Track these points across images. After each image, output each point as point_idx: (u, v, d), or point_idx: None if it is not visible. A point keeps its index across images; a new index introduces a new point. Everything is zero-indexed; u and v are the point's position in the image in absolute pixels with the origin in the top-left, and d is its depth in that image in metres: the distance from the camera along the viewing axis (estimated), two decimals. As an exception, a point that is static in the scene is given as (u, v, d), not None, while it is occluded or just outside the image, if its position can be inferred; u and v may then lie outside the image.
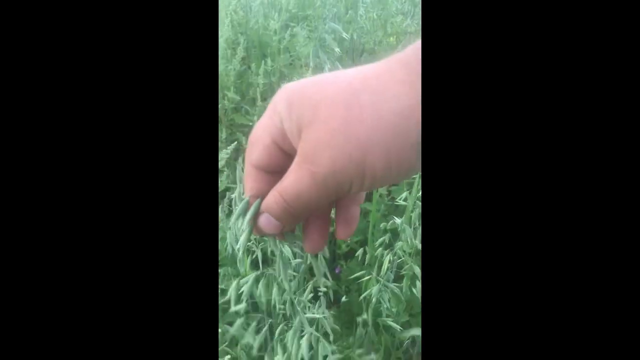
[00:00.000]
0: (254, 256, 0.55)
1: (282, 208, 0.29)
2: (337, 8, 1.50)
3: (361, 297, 0.70)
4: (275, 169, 0.30)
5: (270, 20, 1.29)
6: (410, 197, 0.66)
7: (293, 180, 0.27)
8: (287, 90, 0.28)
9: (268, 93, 1.23)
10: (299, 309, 0.38)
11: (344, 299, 0.83)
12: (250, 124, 1.14)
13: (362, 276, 0.73)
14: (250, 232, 0.31)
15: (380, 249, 0.67)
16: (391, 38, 1.58)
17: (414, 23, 1.58)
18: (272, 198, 0.29)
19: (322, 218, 0.31)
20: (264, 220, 0.30)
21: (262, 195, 0.30)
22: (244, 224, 0.30)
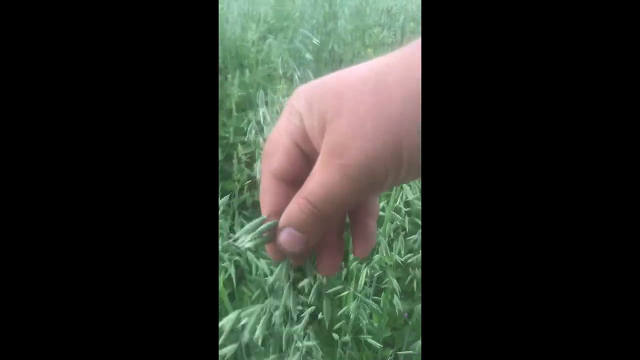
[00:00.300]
0: (226, 274, 0.53)
1: (309, 215, 0.25)
2: (315, 20, 1.50)
3: (340, 313, 0.68)
4: (296, 178, 0.27)
5: (249, 31, 1.28)
6: (388, 207, 0.65)
7: (320, 180, 0.25)
8: (304, 89, 0.27)
9: (246, 104, 1.21)
10: (301, 344, 0.35)
11: (320, 315, 0.81)
12: (227, 135, 1.12)
13: (341, 291, 0.70)
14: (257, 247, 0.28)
15: (355, 262, 0.66)
16: (369, 49, 1.58)
17: (391, 34, 1.59)
18: (296, 206, 0.26)
19: (337, 235, 0.28)
20: (286, 237, 0.26)
21: (280, 212, 0.27)
22: (255, 242, 0.27)
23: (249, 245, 0.27)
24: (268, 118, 0.52)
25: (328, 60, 1.46)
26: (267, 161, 0.28)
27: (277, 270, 0.29)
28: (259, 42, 1.30)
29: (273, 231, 0.27)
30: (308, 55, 0.59)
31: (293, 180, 0.27)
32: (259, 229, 0.27)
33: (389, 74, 0.24)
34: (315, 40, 0.56)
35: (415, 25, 1.60)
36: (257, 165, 0.85)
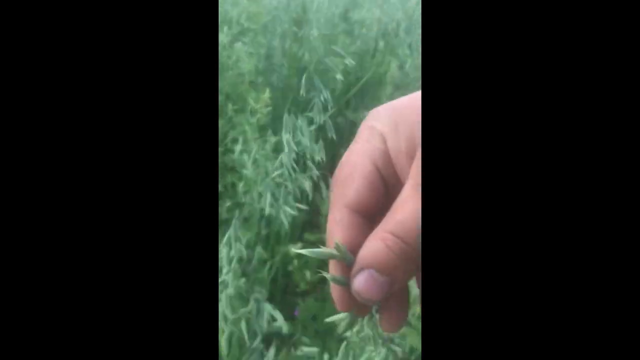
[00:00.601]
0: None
1: (398, 252, 0.21)
2: (288, 24, 1.44)
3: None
4: (374, 209, 0.24)
5: (220, 33, 1.20)
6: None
7: (412, 210, 0.21)
8: (386, 109, 0.25)
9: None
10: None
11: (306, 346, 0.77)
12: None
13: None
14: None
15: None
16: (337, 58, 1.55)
17: (358, 43, 1.57)
18: (380, 243, 0.22)
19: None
20: (366, 280, 0.22)
21: (355, 251, 0.23)
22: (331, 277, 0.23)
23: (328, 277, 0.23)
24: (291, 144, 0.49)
25: (299, 68, 1.41)
26: (341, 189, 0.24)
27: (341, 322, 0.25)
28: (230, 45, 1.23)
29: (345, 273, 0.23)
30: (339, 76, 0.56)
31: (371, 212, 0.24)
32: (331, 254, 0.23)
33: None
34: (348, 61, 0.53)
35: (390, 38, 1.59)
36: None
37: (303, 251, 0.23)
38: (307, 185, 0.49)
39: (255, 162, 0.85)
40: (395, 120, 0.24)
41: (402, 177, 0.24)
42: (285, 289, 0.89)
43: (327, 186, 0.50)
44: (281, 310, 0.51)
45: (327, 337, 0.78)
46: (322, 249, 0.23)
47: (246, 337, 0.55)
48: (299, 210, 0.51)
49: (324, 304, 0.82)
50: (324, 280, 0.88)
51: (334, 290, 0.24)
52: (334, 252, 0.23)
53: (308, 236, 0.95)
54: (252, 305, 0.50)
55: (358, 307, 0.24)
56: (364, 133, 0.25)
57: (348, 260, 0.23)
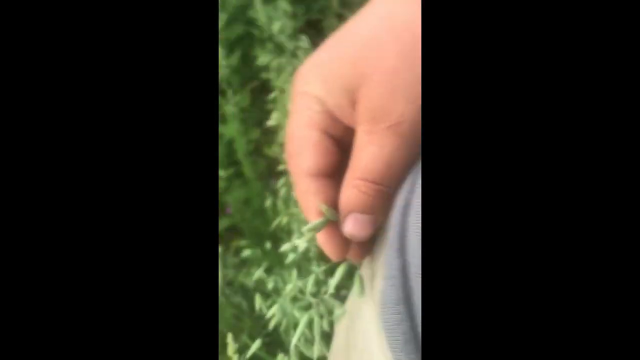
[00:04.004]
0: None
1: (373, 194, 0.23)
2: None
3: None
4: (334, 168, 0.25)
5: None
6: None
7: (372, 152, 0.23)
8: (307, 71, 0.24)
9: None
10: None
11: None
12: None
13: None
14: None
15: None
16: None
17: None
18: (354, 191, 0.23)
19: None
20: (353, 224, 0.24)
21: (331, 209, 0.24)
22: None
23: (304, 245, 0.25)
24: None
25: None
26: (296, 162, 0.25)
27: (338, 274, 0.26)
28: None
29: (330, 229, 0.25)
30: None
31: (332, 171, 0.25)
32: (314, 227, 0.24)
33: (396, 14, 0.22)
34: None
35: None
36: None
37: (304, 238, 0.24)
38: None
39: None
40: (324, 78, 0.24)
41: (354, 126, 0.24)
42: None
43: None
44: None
45: (265, 215, 0.73)
46: (313, 224, 0.24)
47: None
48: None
49: (248, 187, 0.78)
50: (239, 169, 0.82)
51: (325, 245, 0.25)
52: (322, 219, 0.24)
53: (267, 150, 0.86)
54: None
55: (353, 252, 0.26)
56: (299, 101, 0.25)
57: (335, 218, 0.25)
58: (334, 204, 0.25)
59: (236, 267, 0.67)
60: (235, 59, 0.87)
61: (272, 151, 0.77)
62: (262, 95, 0.92)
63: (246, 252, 0.60)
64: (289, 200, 0.57)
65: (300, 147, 0.25)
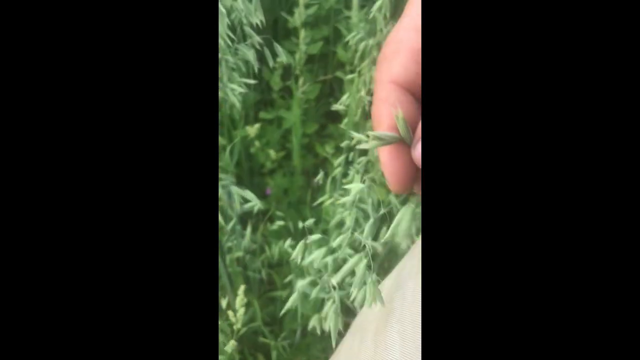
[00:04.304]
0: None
1: None
2: None
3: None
4: (419, 90, 0.23)
5: None
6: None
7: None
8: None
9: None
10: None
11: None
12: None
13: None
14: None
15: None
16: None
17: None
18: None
19: None
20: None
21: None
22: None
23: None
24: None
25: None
26: (386, 66, 0.23)
27: (402, 212, 0.24)
28: None
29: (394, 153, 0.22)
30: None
31: (417, 91, 0.23)
32: (381, 136, 0.22)
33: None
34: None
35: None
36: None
37: (369, 144, 0.22)
38: (251, 55, 0.42)
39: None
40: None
41: None
42: (251, 171, 0.86)
43: (273, 54, 0.43)
44: (252, 191, 0.49)
45: (300, 207, 0.78)
46: (382, 133, 0.22)
47: (223, 222, 0.56)
48: (248, 86, 0.45)
49: (292, 179, 0.80)
50: (288, 156, 0.83)
51: (390, 171, 0.23)
52: (395, 134, 0.22)
53: (264, 115, 0.84)
54: (220, 192, 0.48)
55: (418, 186, 0.23)
56: (411, 8, 0.23)
57: (408, 136, 0.22)
58: (409, 124, 0.22)
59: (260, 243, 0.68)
60: (316, 47, 0.87)
61: (324, 151, 0.77)
62: (330, 93, 0.92)
63: (277, 223, 0.60)
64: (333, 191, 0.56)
65: (397, 50, 0.23)
